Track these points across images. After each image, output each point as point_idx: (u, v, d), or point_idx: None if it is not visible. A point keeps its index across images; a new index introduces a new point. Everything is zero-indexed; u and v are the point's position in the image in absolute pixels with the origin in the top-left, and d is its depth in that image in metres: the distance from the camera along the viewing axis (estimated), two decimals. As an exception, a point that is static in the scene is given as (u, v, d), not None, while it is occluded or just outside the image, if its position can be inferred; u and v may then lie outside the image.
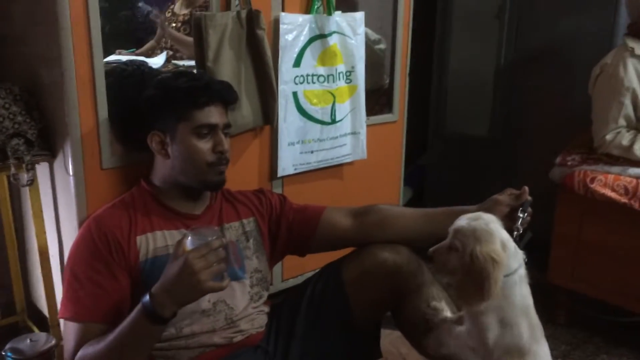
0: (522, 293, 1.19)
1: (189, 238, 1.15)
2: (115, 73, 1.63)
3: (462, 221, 1.20)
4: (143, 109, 1.42)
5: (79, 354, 1.25)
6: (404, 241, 1.49)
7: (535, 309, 2.40)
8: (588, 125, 2.31)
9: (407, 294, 1.45)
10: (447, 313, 1.37)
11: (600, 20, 2.60)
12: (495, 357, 1.18)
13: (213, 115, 1.38)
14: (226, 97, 1.43)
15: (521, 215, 1.37)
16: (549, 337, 2.21)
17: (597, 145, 2.23)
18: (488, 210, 1.40)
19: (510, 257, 1.16)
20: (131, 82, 1.67)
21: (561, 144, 2.42)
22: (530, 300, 1.21)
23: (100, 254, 1.31)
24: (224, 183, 1.44)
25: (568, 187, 2.19)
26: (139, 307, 1.16)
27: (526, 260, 1.20)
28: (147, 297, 1.15)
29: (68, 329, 1.31)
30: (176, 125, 1.37)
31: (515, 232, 1.31)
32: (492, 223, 1.18)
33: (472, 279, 1.12)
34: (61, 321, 1.67)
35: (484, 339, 1.17)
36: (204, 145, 1.37)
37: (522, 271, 1.19)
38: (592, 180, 2.13)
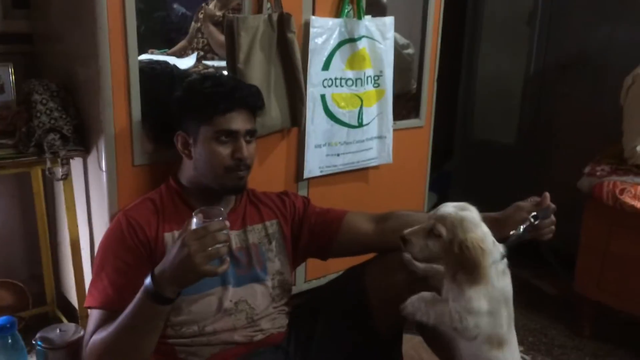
0: (503, 284, 1.21)
1: (194, 219, 1.15)
2: (144, 72, 1.66)
3: (449, 209, 1.21)
4: (171, 109, 1.46)
5: (92, 338, 1.27)
6: None
7: (561, 320, 2.37)
8: (618, 136, 2.28)
9: None
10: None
11: (633, 30, 2.56)
12: (476, 343, 1.19)
13: (234, 121, 1.38)
14: (251, 103, 1.44)
15: (531, 219, 1.37)
16: (574, 349, 2.22)
17: (627, 156, 2.20)
18: (510, 216, 1.40)
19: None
20: (160, 81, 1.71)
21: (590, 153, 2.39)
22: (510, 292, 1.23)
23: (128, 246, 1.34)
24: (243, 188, 1.46)
25: (597, 198, 2.16)
26: (142, 288, 1.18)
27: (505, 255, 1.21)
28: (149, 278, 1.17)
29: (91, 317, 1.34)
30: (198, 128, 1.39)
31: (514, 232, 1.34)
32: (477, 215, 1.21)
33: (462, 267, 1.14)
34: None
35: (467, 322, 1.17)
36: (224, 150, 1.38)
37: (503, 264, 1.21)
38: (622, 191, 2.10)
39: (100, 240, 1.42)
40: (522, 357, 2.14)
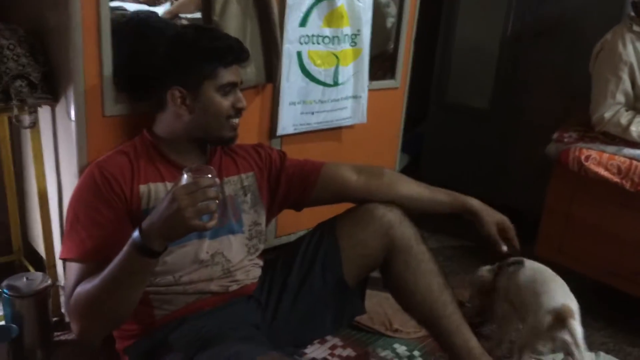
0: None
1: (184, 176, 1.16)
2: (114, 21, 1.60)
3: None
4: (161, 65, 1.42)
5: (77, 290, 1.27)
6: (403, 206, 1.57)
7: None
8: (589, 103, 2.31)
9: (398, 252, 1.51)
10: None
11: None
12: None
13: (234, 73, 1.43)
14: (245, 56, 1.47)
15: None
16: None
17: (595, 122, 2.24)
18: (487, 214, 1.58)
19: None
20: (133, 31, 1.66)
21: (561, 119, 2.43)
22: None
23: (103, 196, 1.33)
24: (236, 139, 1.49)
25: (563, 164, 2.22)
26: (130, 241, 1.18)
27: None
28: (137, 231, 1.17)
29: (70, 269, 1.33)
30: (201, 83, 1.39)
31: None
32: None
33: None
34: (59, 262, 1.71)
35: None
36: (226, 101, 1.42)
37: None
38: (587, 158, 2.15)
39: (72, 192, 1.39)
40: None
